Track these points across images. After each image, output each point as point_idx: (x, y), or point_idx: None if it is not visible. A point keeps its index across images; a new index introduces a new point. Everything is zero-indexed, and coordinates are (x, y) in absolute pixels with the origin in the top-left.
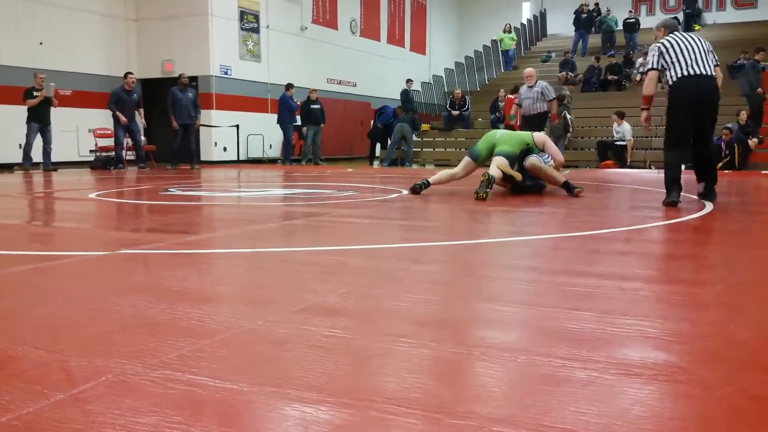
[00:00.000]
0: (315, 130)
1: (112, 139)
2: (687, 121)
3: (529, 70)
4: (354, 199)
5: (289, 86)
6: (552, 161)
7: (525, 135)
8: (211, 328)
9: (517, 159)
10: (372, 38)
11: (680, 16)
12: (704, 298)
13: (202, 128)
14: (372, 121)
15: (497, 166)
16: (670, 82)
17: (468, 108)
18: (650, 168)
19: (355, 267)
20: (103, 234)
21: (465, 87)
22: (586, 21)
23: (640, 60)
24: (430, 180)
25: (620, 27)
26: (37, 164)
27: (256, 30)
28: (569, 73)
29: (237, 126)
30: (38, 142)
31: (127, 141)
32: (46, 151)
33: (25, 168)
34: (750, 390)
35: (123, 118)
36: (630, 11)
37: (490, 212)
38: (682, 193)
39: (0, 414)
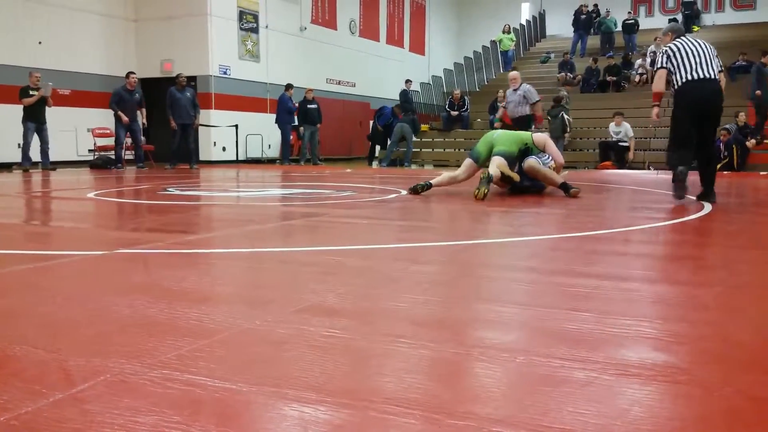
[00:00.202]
0: (312, 130)
1: (111, 138)
2: (691, 123)
3: (513, 74)
4: (353, 200)
5: (288, 87)
6: (552, 162)
7: (524, 134)
8: (209, 328)
9: (515, 159)
10: (371, 38)
11: (679, 17)
12: (703, 299)
13: (201, 128)
14: (371, 122)
15: (497, 166)
16: (676, 86)
17: (467, 108)
18: (649, 169)
19: (353, 267)
20: (101, 233)
21: (464, 87)
22: (585, 22)
23: (639, 61)
24: (432, 181)
25: (619, 28)
26: (36, 164)
27: (255, 30)
28: (568, 74)
29: (236, 126)
30: (36, 141)
31: (127, 140)
32: (44, 151)
33: (24, 168)
34: (749, 391)
35: (125, 118)
36: (629, 12)
37: (489, 213)
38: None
39: None
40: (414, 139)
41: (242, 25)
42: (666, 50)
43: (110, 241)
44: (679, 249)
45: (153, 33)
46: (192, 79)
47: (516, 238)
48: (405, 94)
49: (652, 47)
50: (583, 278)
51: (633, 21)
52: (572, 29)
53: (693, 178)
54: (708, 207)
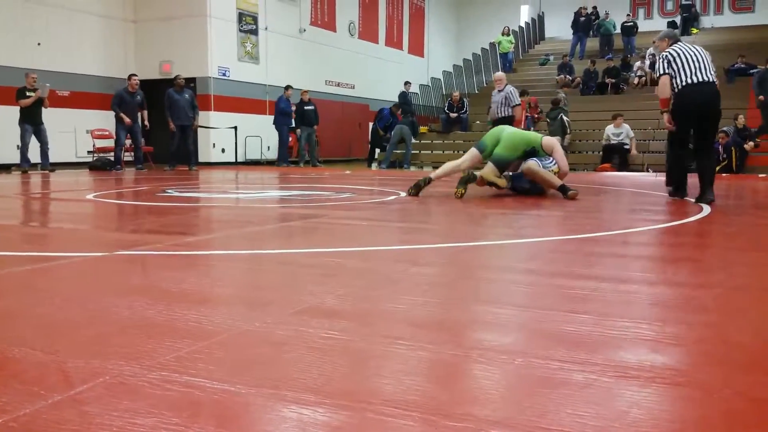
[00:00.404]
0: (308, 132)
1: (111, 140)
2: (690, 124)
3: (498, 74)
4: (352, 201)
5: (286, 88)
6: (555, 167)
7: (533, 137)
8: (208, 330)
9: (510, 163)
10: (370, 40)
11: (678, 19)
12: (702, 300)
13: (200, 130)
14: (371, 124)
15: (480, 173)
16: (677, 90)
17: (466, 110)
18: (648, 171)
19: (352, 269)
20: (101, 235)
21: (463, 89)
22: (584, 24)
23: (638, 63)
24: (432, 175)
25: (618, 30)
26: (35, 165)
27: (255, 32)
28: (567, 76)
29: (235, 128)
30: (35, 142)
31: (127, 142)
32: (44, 152)
33: (22, 169)
34: (749, 392)
35: (127, 120)
36: (628, 15)
37: (488, 214)
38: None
39: None
40: (413, 141)
41: (241, 26)
42: (666, 56)
43: (109, 242)
44: (677, 251)
45: (152, 34)
46: (191, 81)
47: (515, 240)
48: (404, 96)
49: (651, 49)
50: (582, 280)
51: (632, 23)
52: (571, 31)
53: (692, 180)
54: (707, 209)
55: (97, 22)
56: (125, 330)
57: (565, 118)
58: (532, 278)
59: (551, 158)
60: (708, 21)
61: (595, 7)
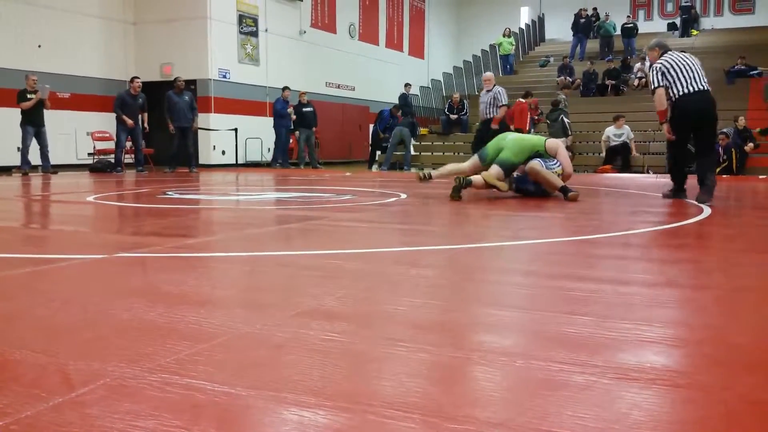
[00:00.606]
0: (307, 134)
1: (111, 142)
2: (689, 132)
3: (487, 74)
4: (352, 203)
5: (283, 89)
6: (559, 168)
7: (536, 141)
8: (209, 332)
9: (516, 167)
10: (371, 42)
11: (678, 21)
12: (703, 302)
13: (200, 132)
14: (372, 126)
15: (488, 174)
16: (674, 99)
17: (466, 112)
18: (648, 173)
19: (353, 271)
20: (101, 237)
21: (463, 91)
22: (584, 26)
23: (638, 65)
24: (433, 174)
25: (618, 32)
26: (35, 167)
27: (255, 34)
28: (567, 77)
29: (235, 129)
30: (36, 145)
31: (127, 144)
32: (44, 154)
33: (23, 171)
34: (749, 394)
35: (130, 122)
36: (628, 16)
37: (489, 216)
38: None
39: None
40: (413, 142)
41: (242, 28)
42: (659, 67)
43: (110, 244)
44: (678, 252)
45: (152, 36)
46: (192, 83)
47: (515, 241)
48: (404, 98)
49: (654, 66)
50: (582, 282)
51: (632, 25)
52: (571, 33)
53: (692, 181)
54: (707, 210)
55: (97, 24)
56: (126, 332)
57: (565, 119)
58: (532, 280)
59: (555, 160)
60: (708, 22)
61: (595, 9)
